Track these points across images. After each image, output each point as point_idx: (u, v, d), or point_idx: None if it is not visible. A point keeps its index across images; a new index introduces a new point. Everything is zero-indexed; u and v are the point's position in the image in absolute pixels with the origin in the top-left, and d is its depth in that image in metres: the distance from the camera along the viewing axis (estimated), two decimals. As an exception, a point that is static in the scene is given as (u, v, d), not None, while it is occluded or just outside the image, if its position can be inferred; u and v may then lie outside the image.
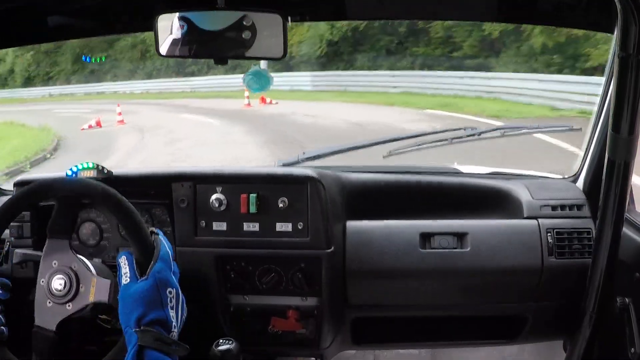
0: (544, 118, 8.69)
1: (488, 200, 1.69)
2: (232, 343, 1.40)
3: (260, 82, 1.32)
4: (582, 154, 1.72)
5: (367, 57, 14.77)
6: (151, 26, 1.15)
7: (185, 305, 1.08)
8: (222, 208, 1.55)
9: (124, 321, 1.00)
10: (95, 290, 1.17)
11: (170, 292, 1.01)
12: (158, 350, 0.94)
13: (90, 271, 1.20)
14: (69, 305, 1.17)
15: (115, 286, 1.15)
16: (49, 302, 1.18)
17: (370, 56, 14.70)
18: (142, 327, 0.96)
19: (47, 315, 1.17)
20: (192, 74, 18.28)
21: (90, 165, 1.52)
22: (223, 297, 1.61)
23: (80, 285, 1.17)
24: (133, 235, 1.13)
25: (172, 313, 0.99)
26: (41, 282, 1.19)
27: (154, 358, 0.93)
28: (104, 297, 1.16)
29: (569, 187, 1.71)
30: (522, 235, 1.58)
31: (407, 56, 14.18)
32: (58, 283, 1.17)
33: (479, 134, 1.84)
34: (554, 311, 1.66)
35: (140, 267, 1.05)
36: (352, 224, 1.61)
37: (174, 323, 0.99)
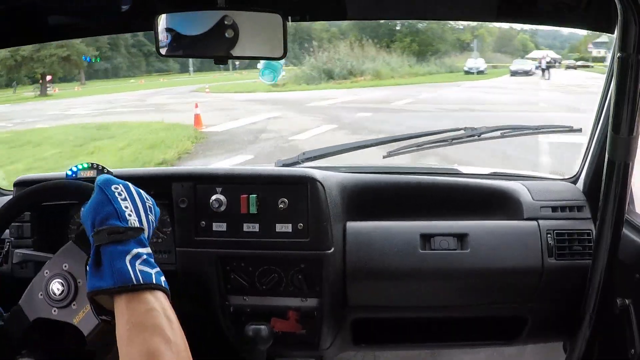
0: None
1: (488, 201, 1.69)
2: (264, 324, 1.49)
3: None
4: (582, 154, 1.72)
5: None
6: (151, 26, 1.15)
7: (145, 194, 1.03)
8: (222, 208, 1.55)
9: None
10: (83, 317, 1.13)
11: (115, 188, 0.97)
12: (113, 243, 0.91)
13: None
14: (54, 310, 1.14)
15: (100, 331, 1.10)
16: (41, 295, 1.15)
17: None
18: (96, 230, 0.93)
19: (33, 304, 1.14)
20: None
21: (89, 165, 1.52)
22: (223, 297, 1.60)
23: (74, 302, 1.14)
24: None
25: (123, 204, 0.96)
26: (45, 273, 1.17)
27: (110, 252, 0.90)
28: (85, 329, 1.11)
29: (569, 188, 1.71)
30: (522, 237, 1.58)
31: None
32: (56, 287, 1.15)
33: (479, 134, 1.84)
34: (554, 312, 1.66)
35: None
36: (352, 225, 1.60)
37: (127, 212, 0.95)
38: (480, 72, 23.03)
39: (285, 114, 12.88)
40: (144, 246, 0.94)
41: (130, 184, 1.02)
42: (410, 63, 24.24)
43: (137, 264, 0.90)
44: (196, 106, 11.51)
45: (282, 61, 1.35)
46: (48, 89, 21.29)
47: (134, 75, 26.37)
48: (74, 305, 1.14)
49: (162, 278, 0.92)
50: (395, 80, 21.52)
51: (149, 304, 0.88)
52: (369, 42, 23.84)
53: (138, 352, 0.83)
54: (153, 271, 0.91)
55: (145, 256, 0.92)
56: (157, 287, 0.90)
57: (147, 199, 1.03)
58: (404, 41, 25.75)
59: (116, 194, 0.97)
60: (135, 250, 0.92)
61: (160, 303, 0.88)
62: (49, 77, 21.07)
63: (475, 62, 23.93)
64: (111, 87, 22.86)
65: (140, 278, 0.89)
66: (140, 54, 26.59)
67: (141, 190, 1.03)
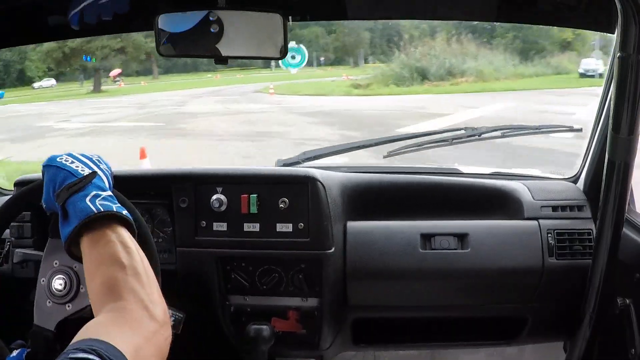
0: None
1: (489, 200, 1.69)
2: (265, 324, 1.52)
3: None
4: (582, 154, 1.72)
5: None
6: (152, 26, 1.16)
7: (89, 153, 1.07)
8: (223, 208, 1.55)
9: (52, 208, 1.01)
10: None
11: (61, 158, 1.01)
12: (73, 194, 0.95)
13: None
14: (68, 306, 1.16)
15: None
16: (49, 302, 1.17)
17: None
18: (56, 194, 0.97)
19: (47, 315, 1.17)
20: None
21: None
22: (223, 297, 1.60)
23: (81, 286, 1.17)
24: None
25: (73, 165, 1.00)
26: (42, 281, 1.19)
27: (72, 202, 0.94)
28: None
29: (569, 188, 1.71)
30: (523, 236, 1.58)
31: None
32: (58, 283, 1.17)
33: (480, 134, 1.84)
34: (554, 312, 1.66)
35: None
36: (352, 225, 1.60)
37: (79, 169, 0.99)
38: (600, 75, 19.48)
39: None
40: (103, 190, 0.98)
41: (72, 152, 1.06)
42: (514, 62, 20.31)
43: (97, 201, 0.94)
44: (142, 155, 5.69)
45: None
46: (117, 81, 20.73)
47: (214, 70, 24.72)
48: (82, 288, 1.17)
49: (125, 212, 0.95)
50: (501, 83, 17.19)
51: (106, 237, 0.90)
52: (467, 38, 19.72)
53: (97, 285, 0.85)
54: (114, 205, 0.95)
55: (105, 195, 0.96)
56: (118, 215, 0.93)
57: (93, 155, 1.07)
58: (505, 37, 21.50)
59: (63, 161, 1.01)
60: (94, 192, 0.95)
61: (117, 235, 0.91)
62: (118, 70, 20.43)
63: (596, 62, 18.49)
64: (180, 83, 21.05)
65: (101, 209, 0.92)
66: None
67: (84, 152, 1.07)
